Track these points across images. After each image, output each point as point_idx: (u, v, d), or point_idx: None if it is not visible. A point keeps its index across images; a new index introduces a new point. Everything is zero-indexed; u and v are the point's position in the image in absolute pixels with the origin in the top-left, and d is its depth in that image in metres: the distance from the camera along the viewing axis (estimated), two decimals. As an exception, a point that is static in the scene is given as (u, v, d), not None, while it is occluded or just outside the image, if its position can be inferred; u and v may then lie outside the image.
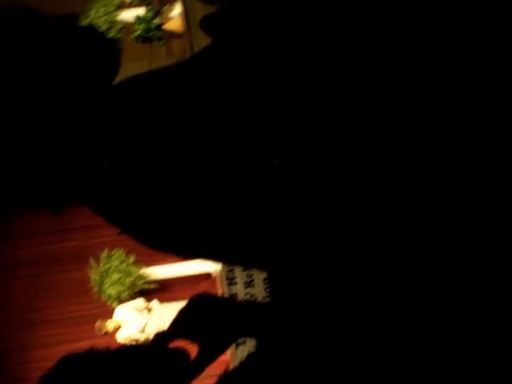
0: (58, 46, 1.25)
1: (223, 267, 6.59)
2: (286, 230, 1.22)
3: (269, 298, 5.98)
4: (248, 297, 6.49)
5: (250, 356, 1.30)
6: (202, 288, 8.73)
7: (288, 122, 1.22)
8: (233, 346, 6.28)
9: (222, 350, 1.34)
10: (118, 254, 8.63)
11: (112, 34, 8.02)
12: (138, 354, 1.30)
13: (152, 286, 8.65)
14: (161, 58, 8.38)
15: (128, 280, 8.42)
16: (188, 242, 1.29)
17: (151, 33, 8.00)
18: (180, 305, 1.37)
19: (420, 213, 1.19)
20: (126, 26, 8.18)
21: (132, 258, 8.61)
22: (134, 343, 7.64)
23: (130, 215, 1.30)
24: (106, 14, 8.01)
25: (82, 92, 1.26)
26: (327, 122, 1.21)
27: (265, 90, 1.23)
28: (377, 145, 1.20)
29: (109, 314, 8.39)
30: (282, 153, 1.21)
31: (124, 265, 8.53)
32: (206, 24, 1.32)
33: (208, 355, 1.31)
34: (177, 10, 8.04)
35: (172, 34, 8.08)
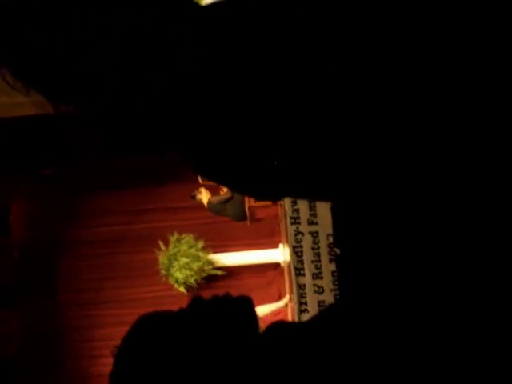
0: None
1: (292, 257, 6.55)
2: None
3: (336, 291, 5.94)
4: (315, 288, 6.45)
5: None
6: (269, 277, 8.73)
7: (287, 123, 1.24)
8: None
9: None
10: (188, 238, 8.67)
11: None
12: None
13: (219, 273, 8.67)
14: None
15: (196, 265, 8.45)
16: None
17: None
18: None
19: (420, 214, 1.20)
20: None
21: (201, 244, 8.65)
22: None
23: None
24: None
25: None
26: (327, 123, 1.23)
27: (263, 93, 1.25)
28: (376, 145, 1.21)
29: (174, 297, 8.45)
30: (282, 153, 1.24)
31: (193, 249, 8.57)
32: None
33: None
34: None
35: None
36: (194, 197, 8.44)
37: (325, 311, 1.34)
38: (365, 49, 1.21)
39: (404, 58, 1.20)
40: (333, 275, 6.40)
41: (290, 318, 7.12)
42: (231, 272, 8.86)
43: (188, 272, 8.41)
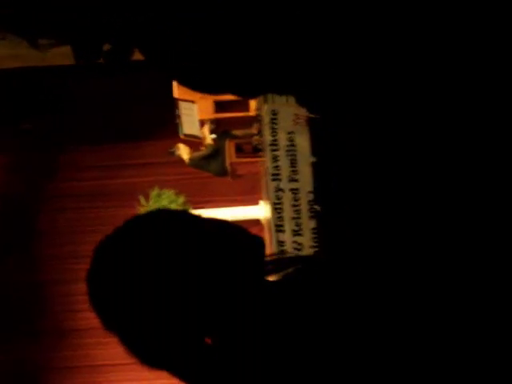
0: None
1: (273, 214, 6.57)
2: None
3: (316, 248, 5.98)
4: (295, 245, 6.48)
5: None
6: (249, 233, 8.75)
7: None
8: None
9: None
10: (168, 193, 8.67)
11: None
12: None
13: (200, 228, 8.67)
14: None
15: (176, 220, 8.45)
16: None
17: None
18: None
19: (420, 212, 1.21)
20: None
21: (182, 199, 8.65)
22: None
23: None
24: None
25: None
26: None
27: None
28: (376, 145, 1.23)
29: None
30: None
31: (173, 205, 8.56)
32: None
33: None
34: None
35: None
36: (172, 153, 8.40)
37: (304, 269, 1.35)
38: (365, 49, 1.21)
39: (404, 57, 1.20)
40: (313, 232, 6.44)
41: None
42: (211, 228, 8.85)
43: (168, 227, 8.41)
